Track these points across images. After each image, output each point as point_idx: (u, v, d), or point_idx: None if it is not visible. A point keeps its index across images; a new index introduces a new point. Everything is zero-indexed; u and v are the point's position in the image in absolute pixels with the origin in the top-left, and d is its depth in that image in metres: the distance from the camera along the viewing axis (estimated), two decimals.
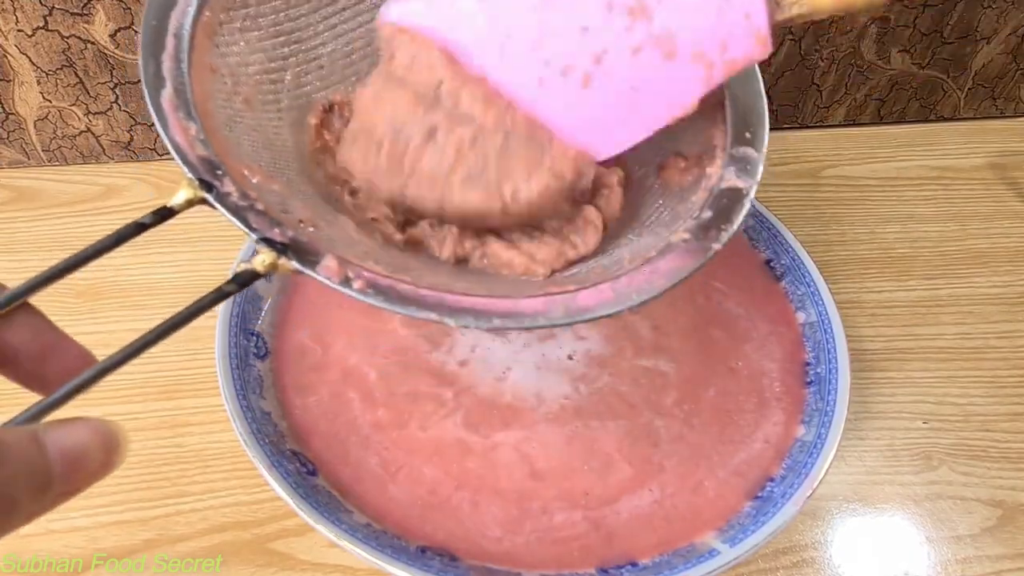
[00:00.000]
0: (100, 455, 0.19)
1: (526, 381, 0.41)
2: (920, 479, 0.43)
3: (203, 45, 0.31)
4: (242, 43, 0.33)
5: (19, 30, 0.50)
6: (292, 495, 0.33)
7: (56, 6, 0.49)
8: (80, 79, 0.53)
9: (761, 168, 0.32)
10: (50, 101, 0.54)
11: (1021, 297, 0.52)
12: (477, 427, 0.39)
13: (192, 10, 0.30)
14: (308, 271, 0.26)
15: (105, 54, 0.52)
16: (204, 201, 0.26)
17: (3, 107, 0.54)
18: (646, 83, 0.30)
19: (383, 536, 0.34)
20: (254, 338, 0.41)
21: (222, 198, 0.27)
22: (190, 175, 0.27)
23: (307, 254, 0.26)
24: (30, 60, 0.51)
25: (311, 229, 0.29)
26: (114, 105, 0.55)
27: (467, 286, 0.29)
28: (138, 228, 0.25)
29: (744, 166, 0.33)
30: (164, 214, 0.26)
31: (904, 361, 0.48)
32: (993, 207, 0.58)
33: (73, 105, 0.54)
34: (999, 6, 0.57)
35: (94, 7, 0.49)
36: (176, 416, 0.43)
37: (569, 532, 0.36)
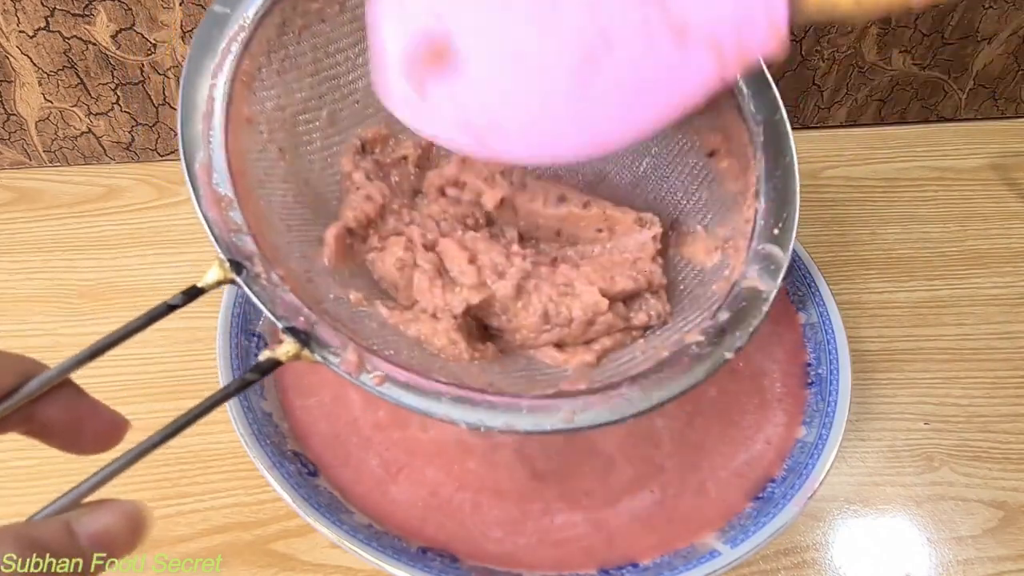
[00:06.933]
0: (127, 535, 0.21)
1: None
2: (921, 480, 0.43)
3: (241, 95, 0.31)
4: (280, 86, 0.33)
5: (20, 31, 0.50)
6: (293, 496, 0.33)
7: (57, 7, 0.49)
8: (81, 80, 0.53)
9: (784, 272, 0.32)
10: (51, 102, 0.54)
11: (1022, 297, 0.52)
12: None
13: (231, 62, 0.31)
14: (330, 365, 0.27)
15: (106, 55, 0.52)
16: (233, 282, 0.27)
17: (4, 108, 0.54)
18: (652, 66, 0.27)
19: (384, 537, 0.34)
20: (255, 339, 0.41)
21: (251, 280, 0.28)
22: (221, 256, 0.27)
23: (328, 344, 0.28)
24: (31, 61, 0.51)
25: (338, 304, 0.30)
26: (115, 106, 0.55)
27: (488, 379, 0.30)
28: (168, 309, 0.26)
29: (768, 266, 0.32)
30: (194, 294, 0.26)
31: (905, 362, 0.48)
32: (993, 208, 0.58)
33: (74, 106, 0.54)
34: (1000, 7, 0.57)
35: (95, 8, 0.49)
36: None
37: (570, 533, 0.36)
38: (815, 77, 0.60)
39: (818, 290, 0.44)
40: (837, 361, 0.41)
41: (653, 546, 0.36)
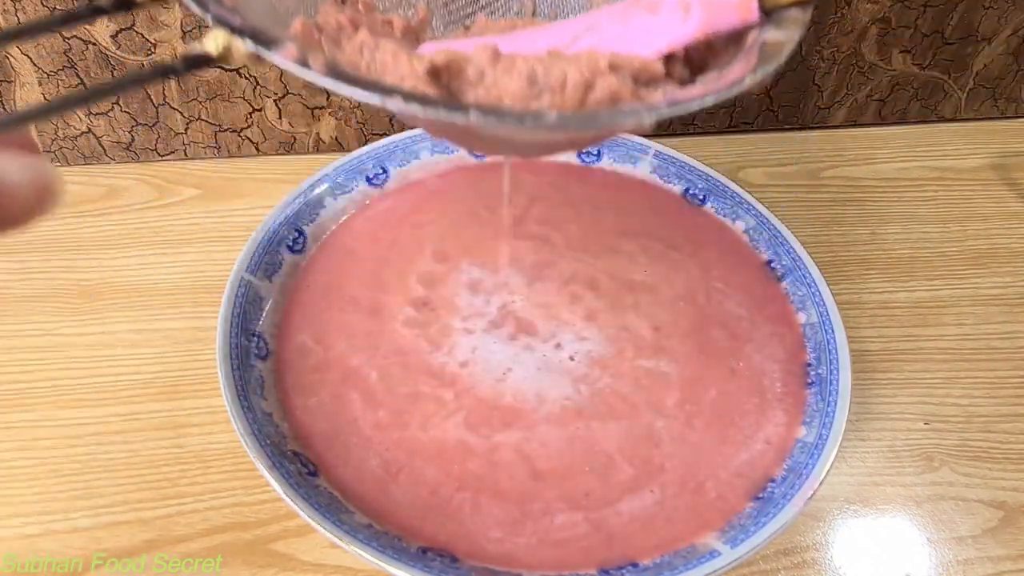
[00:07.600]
0: (28, 190, 0.18)
1: (527, 382, 0.41)
2: (921, 480, 0.43)
3: None
4: None
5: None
6: (293, 496, 0.33)
7: (57, 7, 0.49)
8: (81, 80, 0.53)
9: (804, 23, 0.28)
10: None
11: (1022, 297, 0.52)
12: (478, 428, 0.39)
13: None
14: (264, 52, 0.23)
15: (106, 55, 0.52)
16: None
17: (4, 108, 0.54)
18: (628, 32, 0.31)
19: (384, 537, 0.34)
20: (255, 339, 0.41)
21: None
22: None
23: (267, 40, 0.23)
24: (31, 61, 0.51)
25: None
26: (115, 106, 0.55)
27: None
28: (94, 12, 0.23)
29: (785, 24, 0.29)
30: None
31: (905, 362, 0.48)
32: (993, 208, 0.58)
33: None
34: (1000, 7, 0.57)
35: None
36: (177, 417, 0.43)
37: (570, 533, 0.36)
38: (815, 77, 0.60)
39: (818, 290, 0.44)
40: (837, 361, 0.41)
41: (653, 546, 0.36)
